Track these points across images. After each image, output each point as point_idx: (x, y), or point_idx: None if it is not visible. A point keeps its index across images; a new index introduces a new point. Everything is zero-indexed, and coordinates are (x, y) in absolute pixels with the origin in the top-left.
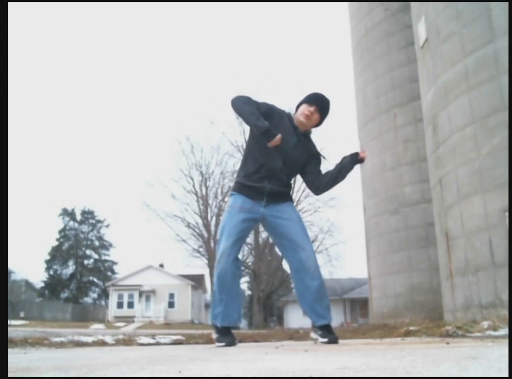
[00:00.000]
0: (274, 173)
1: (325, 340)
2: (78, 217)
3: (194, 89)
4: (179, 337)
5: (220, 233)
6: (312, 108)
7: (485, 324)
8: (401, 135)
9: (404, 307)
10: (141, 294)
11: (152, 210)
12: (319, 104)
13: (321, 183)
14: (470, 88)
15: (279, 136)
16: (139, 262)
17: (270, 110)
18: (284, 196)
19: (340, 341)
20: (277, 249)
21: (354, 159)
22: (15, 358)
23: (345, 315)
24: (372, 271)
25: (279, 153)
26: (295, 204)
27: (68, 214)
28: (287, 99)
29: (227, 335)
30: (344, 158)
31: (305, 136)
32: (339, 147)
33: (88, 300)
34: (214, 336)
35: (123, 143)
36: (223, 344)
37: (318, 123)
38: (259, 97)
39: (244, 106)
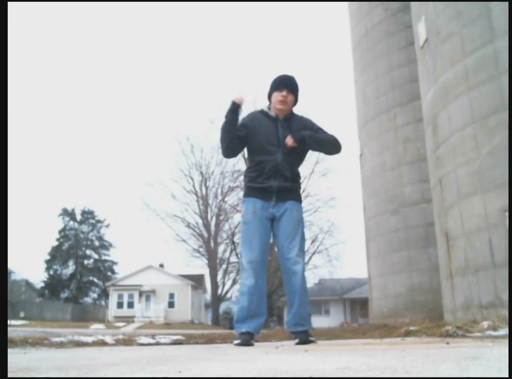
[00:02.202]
0: (278, 170)
1: (297, 341)
2: (78, 217)
3: (194, 89)
4: (179, 337)
5: (242, 244)
6: (284, 92)
7: (485, 324)
8: (401, 135)
9: (404, 307)
10: (141, 294)
11: (152, 210)
12: (288, 86)
13: None
14: (470, 88)
15: (236, 95)
16: (139, 262)
17: (247, 120)
18: (291, 193)
19: (340, 341)
20: (276, 249)
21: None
22: (15, 358)
23: (345, 315)
24: (372, 271)
25: (274, 148)
26: None
27: (68, 214)
28: None
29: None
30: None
31: (288, 120)
32: None
33: (88, 300)
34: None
35: (123, 143)
36: (238, 341)
37: (295, 102)
38: (259, 97)
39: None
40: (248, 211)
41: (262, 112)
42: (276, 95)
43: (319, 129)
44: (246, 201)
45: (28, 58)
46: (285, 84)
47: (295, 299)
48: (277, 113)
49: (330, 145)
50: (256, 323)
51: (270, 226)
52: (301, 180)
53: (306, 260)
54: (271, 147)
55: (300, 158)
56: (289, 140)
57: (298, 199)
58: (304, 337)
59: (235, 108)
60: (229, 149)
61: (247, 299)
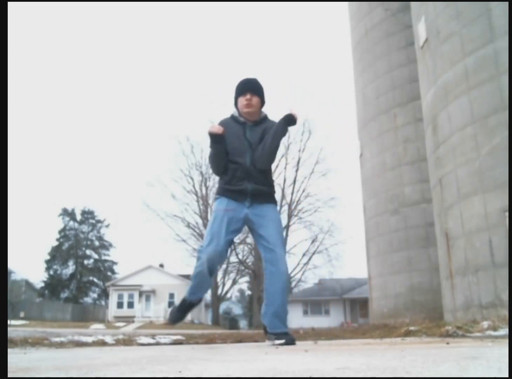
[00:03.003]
0: (250, 173)
1: (282, 341)
2: (78, 217)
3: (194, 90)
4: (179, 337)
5: (206, 234)
6: (247, 96)
7: (485, 324)
8: (401, 135)
9: (404, 307)
10: (141, 294)
11: (152, 210)
12: (250, 89)
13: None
14: (470, 88)
15: (213, 125)
16: (139, 262)
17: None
18: (267, 196)
19: (340, 341)
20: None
21: (286, 121)
22: (15, 358)
23: (345, 315)
24: (372, 271)
25: (244, 153)
26: (295, 204)
27: (68, 214)
28: (286, 99)
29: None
30: (278, 122)
31: (258, 123)
32: (339, 148)
33: (88, 300)
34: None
35: (123, 143)
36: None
37: (263, 103)
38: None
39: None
40: (221, 207)
41: (232, 117)
42: (241, 100)
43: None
44: (220, 198)
45: (28, 58)
46: (248, 88)
47: (277, 299)
48: (246, 118)
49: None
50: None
51: (241, 226)
52: (273, 182)
53: (306, 260)
54: (241, 151)
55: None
56: (296, 115)
57: (275, 202)
58: (289, 338)
59: (215, 139)
60: (223, 171)
61: (192, 282)
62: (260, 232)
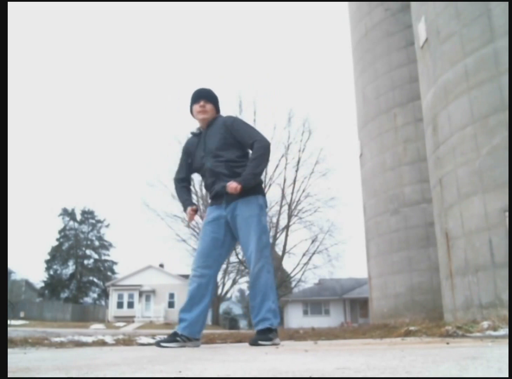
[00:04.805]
0: (215, 173)
1: (267, 343)
2: (78, 217)
3: (193, 90)
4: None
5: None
6: (201, 103)
7: (485, 324)
8: (401, 135)
9: (404, 307)
10: (141, 294)
11: (152, 210)
12: (203, 97)
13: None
14: (470, 88)
15: (188, 209)
16: (139, 262)
17: (185, 151)
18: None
19: (340, 341)
20: (277, 249)
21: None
22: (15, 358)
23: (345, 315)
24: (372, 271)
25: (204, 158)
26: (295, 204)
27: (68, 214)
28: (285, 99)
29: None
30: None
31: (211, 125)
32: (339, 148)
33: (88, 300)
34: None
35: (123, 143)
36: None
37: (217, 110)
38: (258, 98)
39: (178, 196)
40: (205, 220)
41: (191, 134)
42: (195, 107)
43: (242, 131)
44: (208, 208)
45: (28, 58)
46: (201, 96)
47: (257, 298)
48: (202, 125)
49: (265, 159)
50: (192, 325)
51: (225, 230)
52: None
53: (306, 260)
54: (203, 159)
55: (229, 144)
56: (231, 188)
57: (248, 193)
58: (260, 337)
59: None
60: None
61: (188, 301)
62: (236, 234)
